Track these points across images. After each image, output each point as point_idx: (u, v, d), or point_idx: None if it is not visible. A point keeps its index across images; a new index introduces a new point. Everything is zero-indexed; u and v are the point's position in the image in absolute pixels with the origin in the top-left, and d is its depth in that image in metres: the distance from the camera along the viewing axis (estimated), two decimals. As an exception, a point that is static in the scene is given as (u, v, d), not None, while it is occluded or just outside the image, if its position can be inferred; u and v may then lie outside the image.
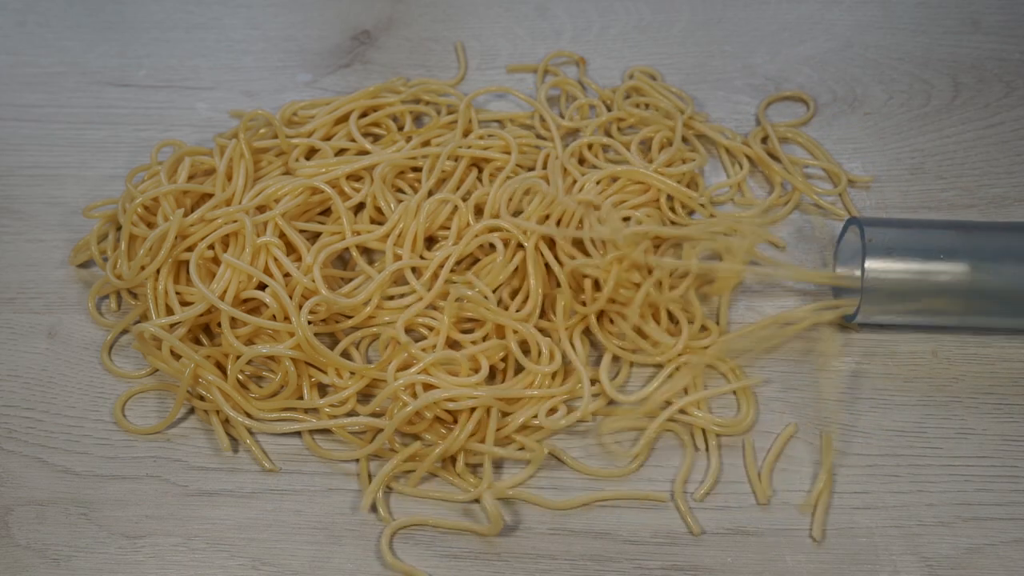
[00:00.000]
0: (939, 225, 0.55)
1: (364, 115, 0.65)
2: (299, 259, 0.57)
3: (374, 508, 0.50)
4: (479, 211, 0.59)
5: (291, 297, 0.54)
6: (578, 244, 0.55)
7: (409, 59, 0.72)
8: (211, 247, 0.56)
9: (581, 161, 0.63)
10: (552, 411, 0.52)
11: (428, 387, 0.51)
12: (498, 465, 0.52)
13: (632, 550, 0.49)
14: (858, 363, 0.55)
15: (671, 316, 0.56)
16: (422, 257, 0.58)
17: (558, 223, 0.56)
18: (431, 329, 0.55)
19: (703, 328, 0.56)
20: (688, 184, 0.62)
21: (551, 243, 0.57)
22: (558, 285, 0.57)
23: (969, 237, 0.53)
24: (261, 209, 0.58)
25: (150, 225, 0.57)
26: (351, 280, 0.58)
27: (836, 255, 0.58)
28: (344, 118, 0.64)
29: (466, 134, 0.63)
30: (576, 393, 0.53)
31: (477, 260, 0.58)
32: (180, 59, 0.72)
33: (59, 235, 0.62)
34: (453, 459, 0.51)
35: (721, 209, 0.62)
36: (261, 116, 0.62)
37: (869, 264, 0.53)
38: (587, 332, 0.56)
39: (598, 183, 0.58)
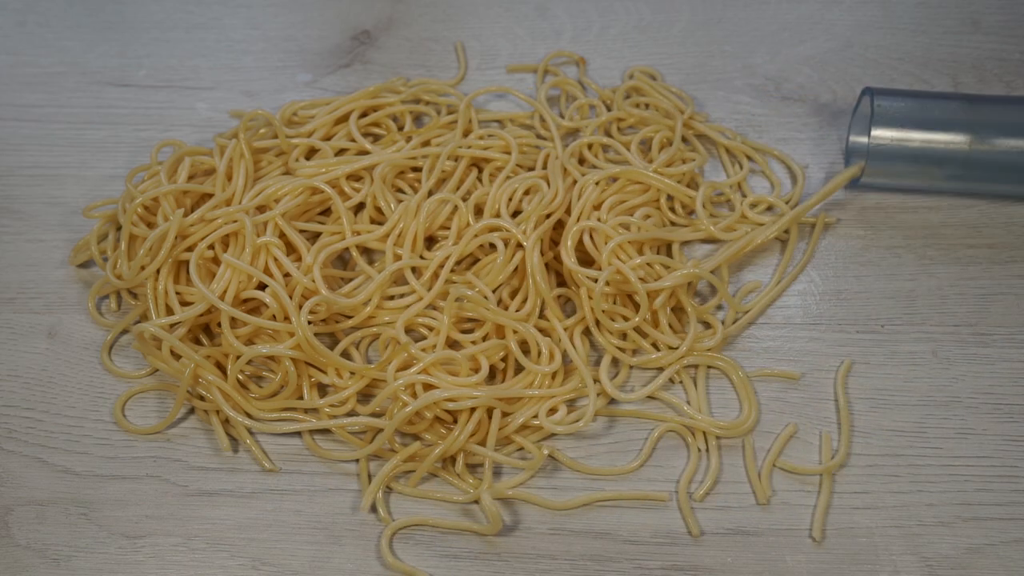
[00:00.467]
0: (946, 96, 0.62)
1: (364, 115, 0.65)
2: (299, 259, 0.57)
3: (374, 508, 0.50)
4: (479, 211, 0.59)
5: (291, 297, 0.54)
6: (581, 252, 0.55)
7: (409, 59, 0.72)
8: (211, 247, 0.56)
9: (581, 161, 0.63)
10: (552, 411, 0.52)
11: (428, 387, 0.51)
12: (498, 465, 0.52)
13: (632, 550, 0.49)
14: (859, 362, 0.55)
15: (675, 311, 0.56)
16: (422, 257, 0.57)
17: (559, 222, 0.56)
18: (431, 329, 0.55)
19: (707, 325, 0.56)
20: (688, 184, 0.62)
21: (552, 244, 0.58)
22: (559, 284, 0.57)
23: (972, 108, 0.59)
24: (261, 209, 0.58)
25: (150, 225, 0.57)
26: (351, 280, 0.58)
27: (850, 125, 0.63)
28: (344, 118, 0.64)
29: (466, 134, 0.63)
30: (580, 393, 0.53)
31: (477, 260, 0.58)
32: (180, 59, 0.72)
33: (59, 235, 0.62)
34: (453, 459, 0.51)
35: (720, 209, 0.62)
36: (261, 116, 0.62)
37: (875, 132, 0.59)
38: (586, 332, 0.56)
39: (598, 183, 0.58)
